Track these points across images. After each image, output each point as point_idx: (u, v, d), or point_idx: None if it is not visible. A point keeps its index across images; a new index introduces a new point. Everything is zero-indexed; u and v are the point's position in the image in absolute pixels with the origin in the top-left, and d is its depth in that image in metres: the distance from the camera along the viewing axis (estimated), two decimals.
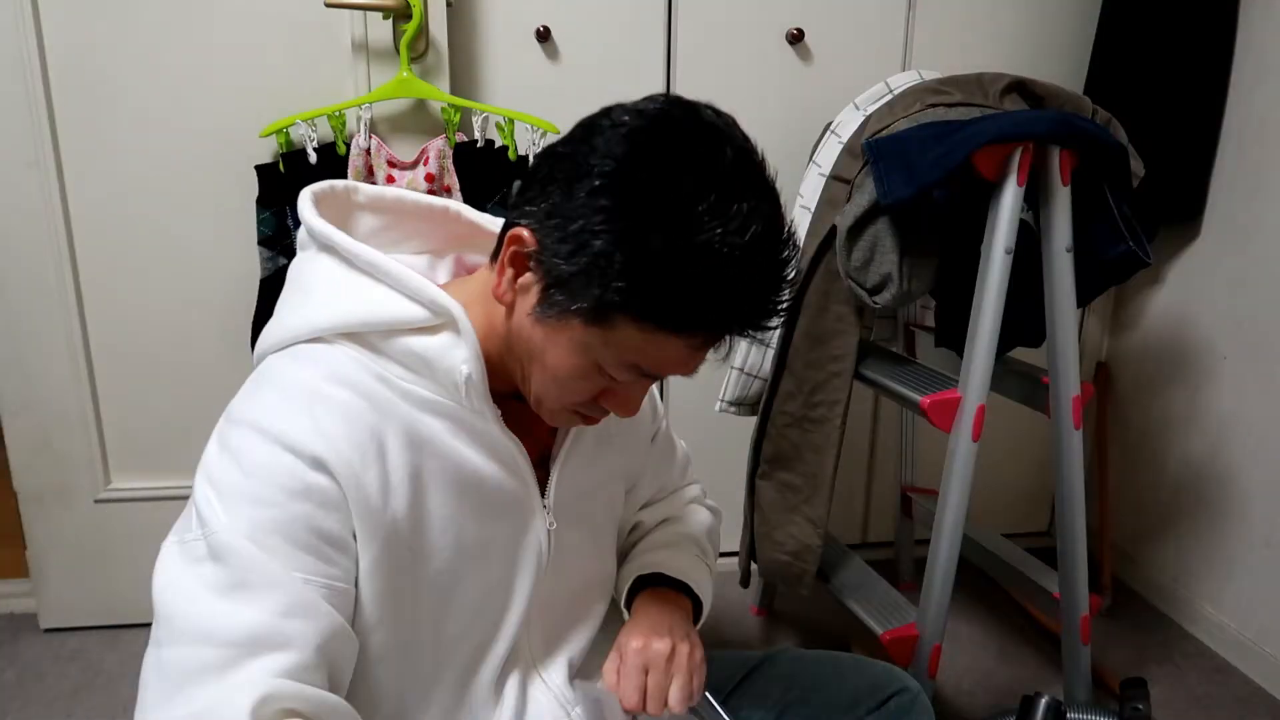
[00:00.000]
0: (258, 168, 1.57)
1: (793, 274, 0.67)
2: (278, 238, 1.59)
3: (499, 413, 0.74)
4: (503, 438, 0.75)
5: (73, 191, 1.61)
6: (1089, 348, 2.11)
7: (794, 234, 0.67)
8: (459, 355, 0.70)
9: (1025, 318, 1.38)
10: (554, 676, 0.84)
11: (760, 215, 0.63)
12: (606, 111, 0.68)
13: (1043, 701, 1.34)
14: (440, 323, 0.70)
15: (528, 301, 0.69)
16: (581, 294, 0.64)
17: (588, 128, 0.68)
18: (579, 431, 0.82)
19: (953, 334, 1.53)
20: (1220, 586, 1.84)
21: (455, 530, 0.74)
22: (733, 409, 1.64)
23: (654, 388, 0.91)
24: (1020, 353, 1.51)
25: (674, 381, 1.91)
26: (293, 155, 1.56)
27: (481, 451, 0.74)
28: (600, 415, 0.75)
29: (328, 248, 0.73)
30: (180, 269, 1.67)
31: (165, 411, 1.73)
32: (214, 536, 0.63)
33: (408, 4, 1.51)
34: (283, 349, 0.73)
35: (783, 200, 0.67)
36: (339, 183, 0.80)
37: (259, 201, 1.59)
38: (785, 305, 0.67)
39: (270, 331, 0.75)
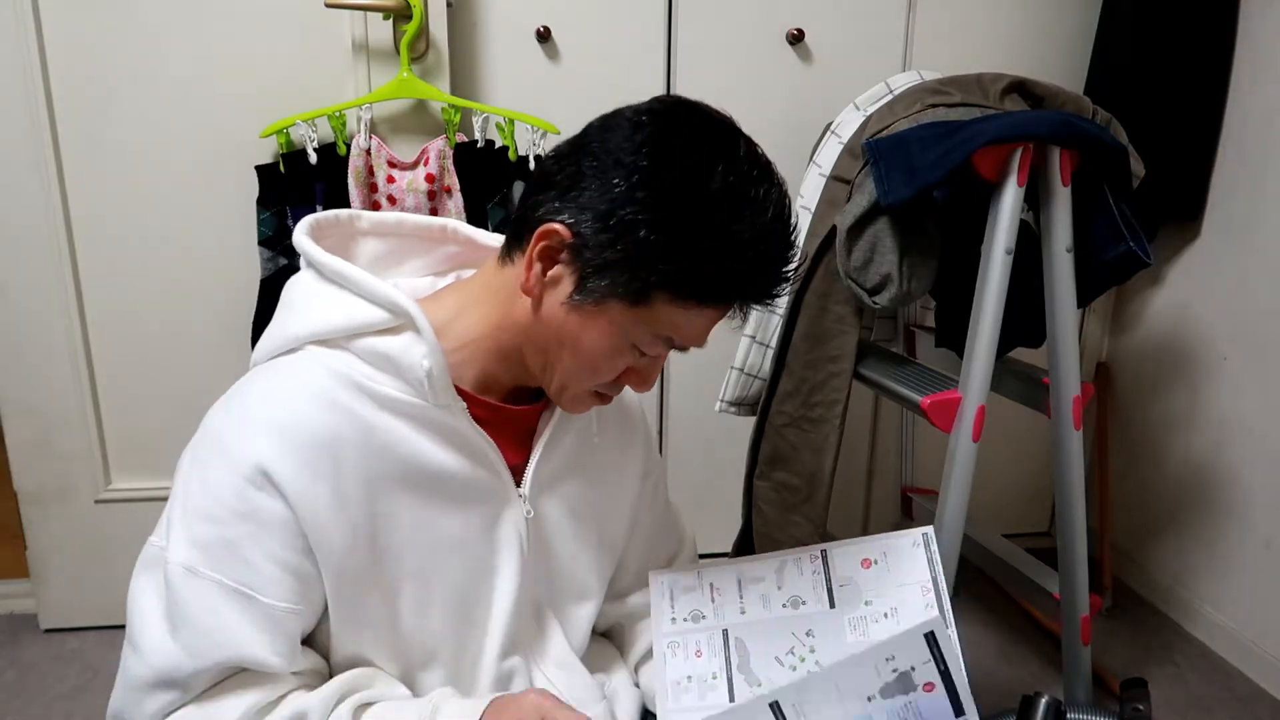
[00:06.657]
0: (258, 168, 1.57)
1: (797, 249, 0.75)
2: (278, 238, 1.59)
3: (464, 405, 0.77)
4: (469, 430, 0.78)
5: (73, 191, 1.61)
6: (1089, 348, 2.11)
7: (795, 212, 0.75)
8: (419, 352, 0.73)
9: (1025, 318, 1.38)
10: (553, 670, 0.86)
11: (773, 199, 0.71)
12: (617, 113, 0.73)
13: (1043, 701, 1.33)
14: (400, 324, 0.74)
15: (561, 292, 0.73)
16: (623, 278, 0.71)
17: (604, 128, 0.73)
18: (557, 424, 0.85)
19: (953, 334, 1.53)
20: (1220, 586, 1.84)
21: (427, 526, 0.77)
22: (733, 409, 1.64)
23: (647, 424, 0.98)
24: (1020, 353, 1.51)
25: (675, 382, 1.91)
26: (293, 155, 1.56)
27: (446, 446, 0.77)
28: (616, 393, 0.81)
29: (308, 264, 0.78)
30: (180, 269, 1.67)
31: (165, 411, 1.73)
32: (166, 563, 0.71)
33: (408, 4, 1.51)
34: (266, 362, 0.77)
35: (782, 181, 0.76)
36: (343, 212, 0.84)
37: (259, 202, 1.59)
38: (790, 275, 0.76)
39: (259, 346, 0.79)
